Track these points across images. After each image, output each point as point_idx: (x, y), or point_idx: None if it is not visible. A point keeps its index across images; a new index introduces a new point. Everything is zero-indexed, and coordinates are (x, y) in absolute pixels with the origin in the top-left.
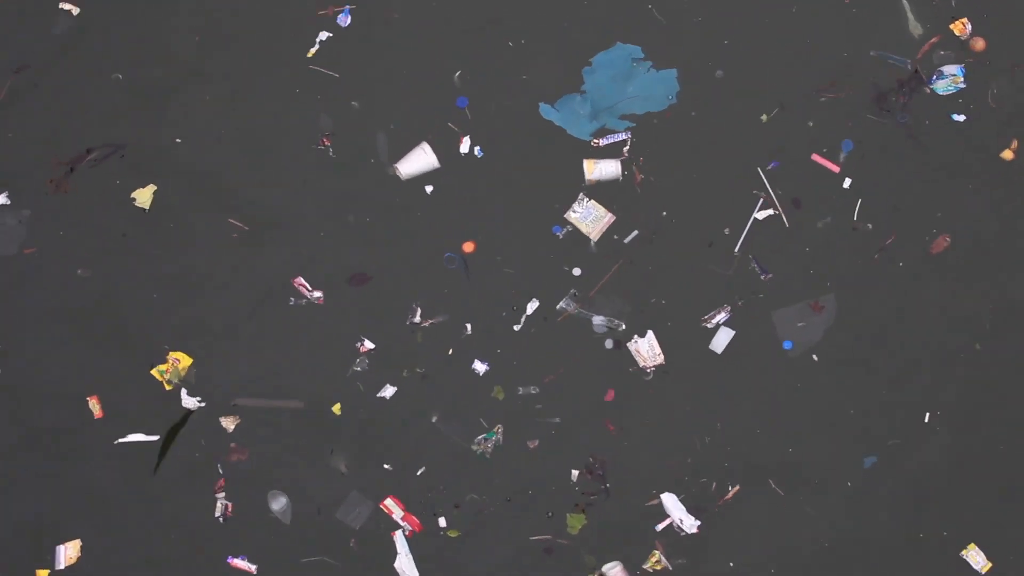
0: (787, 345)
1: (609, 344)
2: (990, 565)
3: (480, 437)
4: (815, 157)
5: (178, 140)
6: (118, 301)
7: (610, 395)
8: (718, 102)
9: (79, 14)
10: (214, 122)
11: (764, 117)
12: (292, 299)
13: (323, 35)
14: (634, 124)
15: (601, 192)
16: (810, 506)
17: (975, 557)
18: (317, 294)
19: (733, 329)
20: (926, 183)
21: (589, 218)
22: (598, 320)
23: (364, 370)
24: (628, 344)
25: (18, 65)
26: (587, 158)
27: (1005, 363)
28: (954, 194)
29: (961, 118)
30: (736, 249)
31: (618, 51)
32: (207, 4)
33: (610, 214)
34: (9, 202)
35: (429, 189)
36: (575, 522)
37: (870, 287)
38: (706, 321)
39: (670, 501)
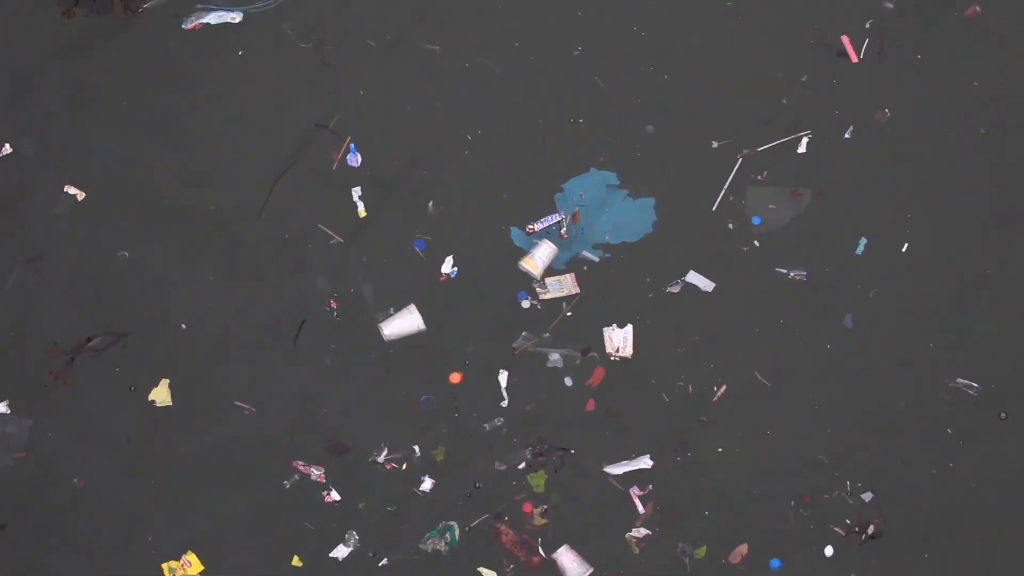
0: (756, 221)
1: (569, 381)
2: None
3: (426, 537)
4: (844, 39)
5: (183, 326)
6: (118, 508)
7: (591, 405)
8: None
9: (84, 199)
10: (215, 291)
11: (715, 144)
12: (286, 481)
13: (357, 191)
14: (608, 254)
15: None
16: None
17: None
18: (317, 471)
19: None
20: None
21: (559, 288)
22: (555, 357)
23: (356, 546)
24: (604, 328)
25: (28, 255)
26: (522, 260)
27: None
28: None
29: None
30: (714, 208)
31: (592, 177)
32: (208, 184)
33: (570, 272)
34: (9, 411)
35: (387, 332)
36: (537, 480)
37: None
38: (672, 287)
39: (611, 468)
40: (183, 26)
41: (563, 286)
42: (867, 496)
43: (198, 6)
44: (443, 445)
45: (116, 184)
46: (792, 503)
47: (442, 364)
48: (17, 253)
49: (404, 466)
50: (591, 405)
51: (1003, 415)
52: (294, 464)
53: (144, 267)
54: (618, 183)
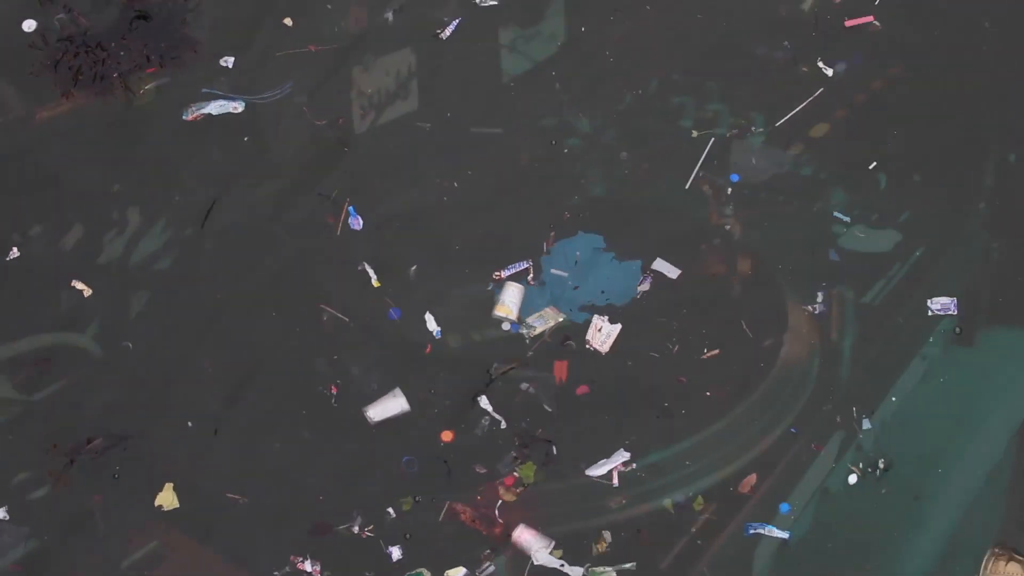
0: (734, 178)
1: (548, 407)
2: None
3: None
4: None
5: (189, 423)
6: None
7: (583, 390)
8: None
9: (90, 295)
10: (213, 383)
11: (695, 133)
12: (277, 572)
13: (368, 269)
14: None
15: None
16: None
17: None
18: (309, 564)
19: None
20: None
21: (543, 322)
22: (524, 386)
23: None
24: (594, 316)
25: (37, 358)
26: (495, 309)
27: None
28: None
29: None
30: (687, 185)
31: (579, 241)
32: (214, 269)
33: (551, 305)
34: (8, 516)
35: (372, 415)
36: (527, 471)
37: None
38: (642, 285)
39: (591, 470)
40: (184, 117)
41: (547, 319)
42: (865, 424)
43: (203, 91)
44: (411, 495)
45: (118, 276)
46: (793, 430)
47: (431, 428)
48: (26, 355)
49: (372, 526)
50: (583, 389)
51: (958, 330)
52: (291, 559)
53: (145, 360)
54: (604, 246)
